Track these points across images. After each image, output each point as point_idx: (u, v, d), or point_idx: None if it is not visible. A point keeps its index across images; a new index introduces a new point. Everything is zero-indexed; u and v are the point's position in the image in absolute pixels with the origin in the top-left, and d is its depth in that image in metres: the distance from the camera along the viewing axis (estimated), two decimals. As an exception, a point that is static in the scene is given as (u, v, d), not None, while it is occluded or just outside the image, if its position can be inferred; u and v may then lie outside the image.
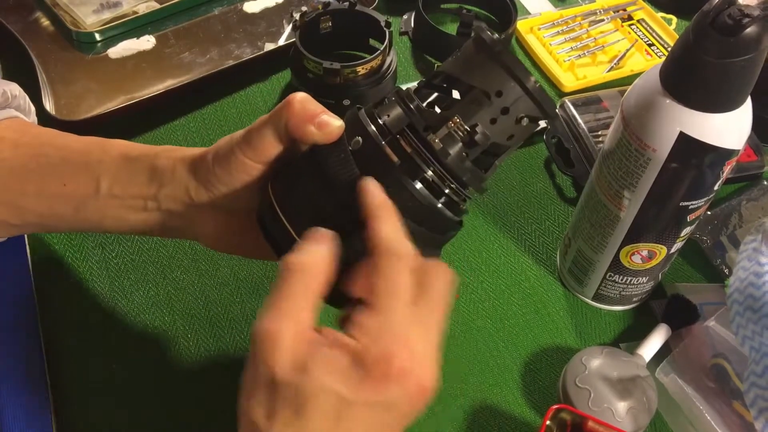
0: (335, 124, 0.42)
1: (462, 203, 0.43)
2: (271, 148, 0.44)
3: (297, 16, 0.73)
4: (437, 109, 0.44)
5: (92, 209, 0.48)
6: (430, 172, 0.41)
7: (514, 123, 0.41)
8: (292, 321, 0.37)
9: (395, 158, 0.40)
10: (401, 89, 0.43)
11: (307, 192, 0.41)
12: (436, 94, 0.44)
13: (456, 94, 0.44)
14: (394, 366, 0.36)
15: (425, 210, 0.41)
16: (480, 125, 0.41)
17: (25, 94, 0.56)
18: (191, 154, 0.47)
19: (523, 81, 0.40)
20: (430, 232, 0.42)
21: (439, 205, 0.42)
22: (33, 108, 0.58)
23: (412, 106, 0.41)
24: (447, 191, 0.42)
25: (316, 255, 0.38)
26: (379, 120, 0.42)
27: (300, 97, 0.43)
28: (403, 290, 0.38)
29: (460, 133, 0.41)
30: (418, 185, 0.41)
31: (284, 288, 0.37)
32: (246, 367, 0.37)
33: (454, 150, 0.41)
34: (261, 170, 0.45)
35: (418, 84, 0.44)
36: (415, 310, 0.38)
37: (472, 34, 0.42)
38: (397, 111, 0.42)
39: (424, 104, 0.43)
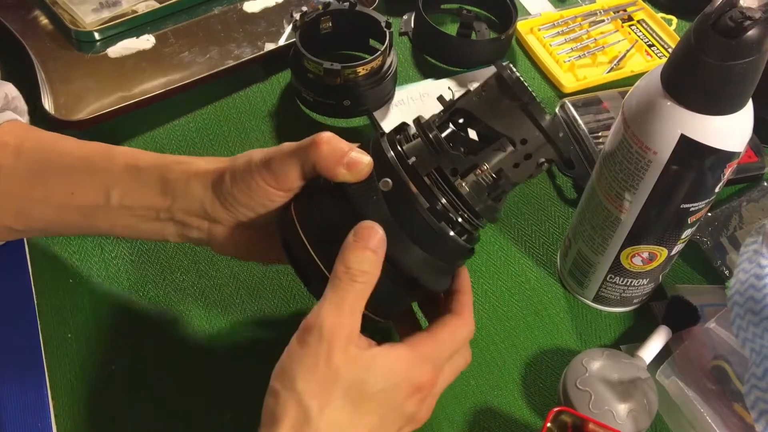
0: (365, 162, 0.42)
1: (476, 232, 0.46)
2: (295, 180, 0.44)
3: (297, 16, 0.73)
4: (458, 138, 0.45)
5: (102, 218, 0.48)
6: (459, 219, 0.43)
7: (534, 167, 0.44)
8: (352, 319, 0.41)
9: (426, 203, 0.42)
10: (422, 119, 0.45)
11: (342, 235, 0.42)
12: (453, 128, 0.45)
13: (473, 133, 0.45)
14: (430, 390, 0.43)
15: (454, 252, 0.44)
16: (504, 170, 0.43)
17: (20, 95, 0.56)
18: (205, 169, 0.46)
19: (550, 134, 0.42)
20: (448, 264, 0.45)
21: (470, 246, 0.45)
22: (26, 107, 0.57)
23: (439, 148, 0.43)
24: (468, 227, 0.44)
25: (376, 266, 0.42)
26: (407, 159, 0.43)
27: (327, 137, 0.43)
28: (458, 347, 0.45)
29: (488, 181, 0.43)
30: (451, 233, 0.43)
31: (345, 290, 0.41)
32: (294, 354, 0.40)
33: (482, 196, 0.43)
34: (283, 196, 0.45)
35: (439, 116, 0.45)
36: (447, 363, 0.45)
37: (496, 73, 0.43)
38: (425, 151, 0.43)
39: (443, 134, 0.44)
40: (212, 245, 0.49)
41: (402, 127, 0.46)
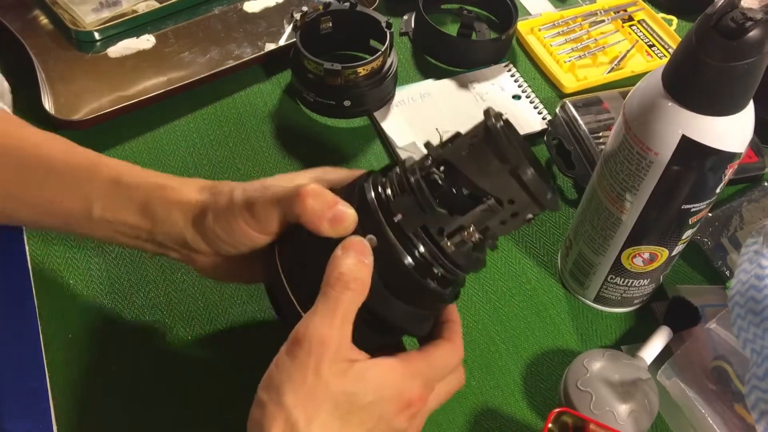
0: (349, 220, 0.42)
1: (460, 279, 0.46)
2: (278, 226, 0.44)
3: (297, 16, 0.73)
4: (442, 190, 0.44)
5: (84, 226, 0.48)
6: (443, 271, 0.43)
7: (521, 222, 0.43)
8: (342, 330, 0.40)
9: (412, 262, 0.42)
10: (409, 163, 0.44)
11: None
12: (438, 177, 0.44)
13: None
14: (420, 408, 0.43)
15: (438, 303, 0.45)
16: (490, 227, 0.43)
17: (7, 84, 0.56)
18: (187, 201, 0.46)
19: (538, 196, 0.42)
20: (432, 312, 0.46)
21: (454, 294, 0.46)
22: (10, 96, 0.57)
23: (426, 207, 0.42)
24: (452, 278, 0.44)
25: (368, 275, 0.41)
26: (394, 215, 0.42)
27: (312, 191, 0.42)
28: (450, 369, 0.46)
29: (473, 241, 0.43)
30: (437, 287, 0.44)
31: (337, 298, 0.40)
32: (282, 366, 0.40)
33: (467, 252, 0.44)
34: (266, 238, 0.45)
35: (426, 165, 0.44)
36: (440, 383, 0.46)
37: (484, 124, 0.42)
38: (411, 208, 0.42)
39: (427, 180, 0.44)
40: (193, 267, 0.49)
41: (389, 169, 0.46)
